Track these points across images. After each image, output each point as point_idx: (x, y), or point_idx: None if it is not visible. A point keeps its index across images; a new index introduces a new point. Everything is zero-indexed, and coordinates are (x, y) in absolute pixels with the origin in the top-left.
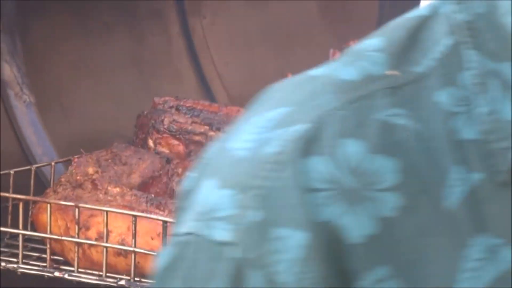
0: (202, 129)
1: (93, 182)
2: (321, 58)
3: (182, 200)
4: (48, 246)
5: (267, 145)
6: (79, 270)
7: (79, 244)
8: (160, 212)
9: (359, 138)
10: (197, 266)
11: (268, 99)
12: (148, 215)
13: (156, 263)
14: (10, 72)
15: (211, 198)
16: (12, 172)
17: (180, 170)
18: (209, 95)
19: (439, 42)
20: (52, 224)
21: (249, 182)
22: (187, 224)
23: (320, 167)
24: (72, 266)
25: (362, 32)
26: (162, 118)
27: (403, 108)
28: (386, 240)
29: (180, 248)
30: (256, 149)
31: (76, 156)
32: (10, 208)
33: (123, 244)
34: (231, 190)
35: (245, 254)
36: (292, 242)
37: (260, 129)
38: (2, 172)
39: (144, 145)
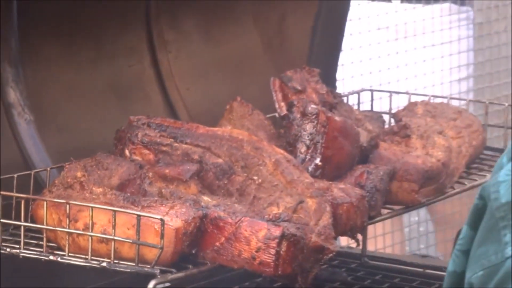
0: (168, 141)
1: (81, 183)
2: (264, 84)
3: None
4: (44, 235)
5: None
6: (69, 254)
7: (69, 234)
8: (135, 208)
9: None
10: None
11: None
12: (125, 210)
13: None
14: (14, 95)
15: None
16: (15, 176)
17: (150, 174)
18: (173, 114)
19: None
20: (48, 217)
21: None
22: None
23: None
24: (64, 251)
25: (295, 64)
26: (136, 132)
27: None
28: None
29: None
30: None
31: (67, 163)
32: (13, 205)
33: (104, 234)
34: None
35: None
36: None
37: None
38: (7, 176)
39: (122, 154)
